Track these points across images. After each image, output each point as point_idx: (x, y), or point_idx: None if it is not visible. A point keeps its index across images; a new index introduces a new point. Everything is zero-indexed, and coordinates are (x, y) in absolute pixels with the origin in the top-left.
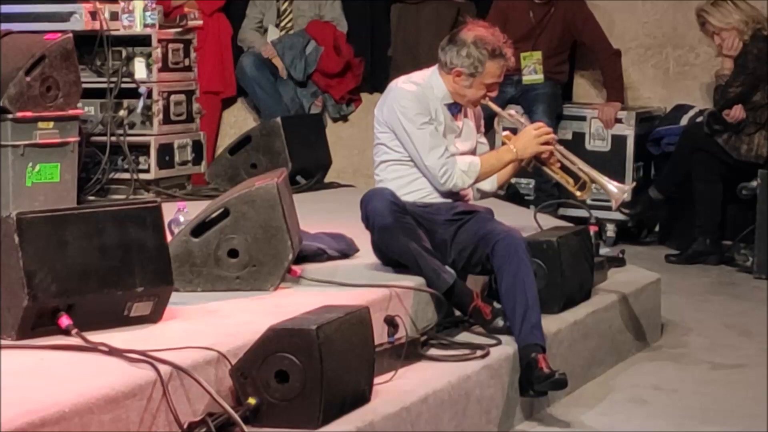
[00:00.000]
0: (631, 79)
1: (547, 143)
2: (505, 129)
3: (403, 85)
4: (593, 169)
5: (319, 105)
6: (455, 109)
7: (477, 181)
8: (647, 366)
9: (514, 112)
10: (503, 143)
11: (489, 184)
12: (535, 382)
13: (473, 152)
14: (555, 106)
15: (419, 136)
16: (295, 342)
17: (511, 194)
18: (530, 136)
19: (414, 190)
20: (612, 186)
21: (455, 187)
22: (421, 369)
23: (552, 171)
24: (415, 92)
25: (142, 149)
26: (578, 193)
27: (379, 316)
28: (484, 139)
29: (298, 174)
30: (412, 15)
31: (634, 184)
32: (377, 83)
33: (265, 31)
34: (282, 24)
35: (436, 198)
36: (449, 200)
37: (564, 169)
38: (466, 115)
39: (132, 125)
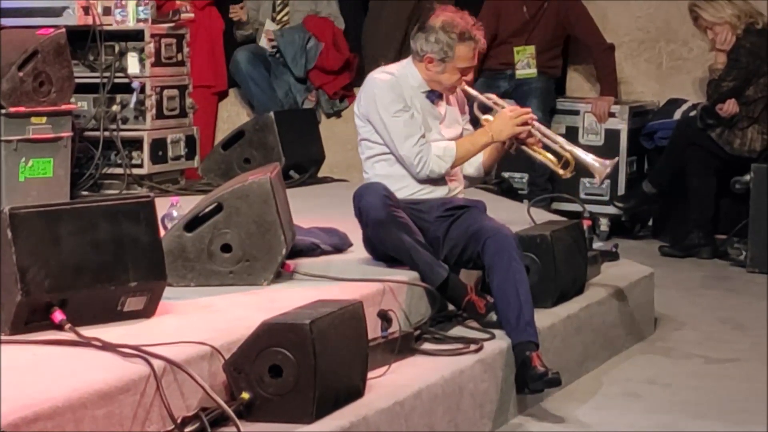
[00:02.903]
0: (624, 74)
1: (524, 123)
2: (486, 112)
3: (377, 75)
4: (575, 145)
5: (312, 100)
6: (434, 96)
7: (454, 165)
8: (641, 360)
9: (492, 95)
10: (482, 126)
11: (474, 169)
12: (529, 381)
13: (460, 138)
14: (548, 101)
15: (393, 125)
16: (289, 337)
17: (504, 189)
18: (506, 118)
19: (403, 186)
20: (595, 161)
21: (432, 173)
22: (415, 363)
23: (534, 151)
24: (389, 80)
25: (135, 144)
26: (561, 172)
27: (373, 311)
28: (469, 126)
29: (292, 169)
30: (378, 7)
31: (617, 159)
32: None
33: (261, 24)
34: (278, 18)
35: (426, 194)
36: (440, 196)
37: (547, 148)
38: (449, 102)
39: (125, 120)
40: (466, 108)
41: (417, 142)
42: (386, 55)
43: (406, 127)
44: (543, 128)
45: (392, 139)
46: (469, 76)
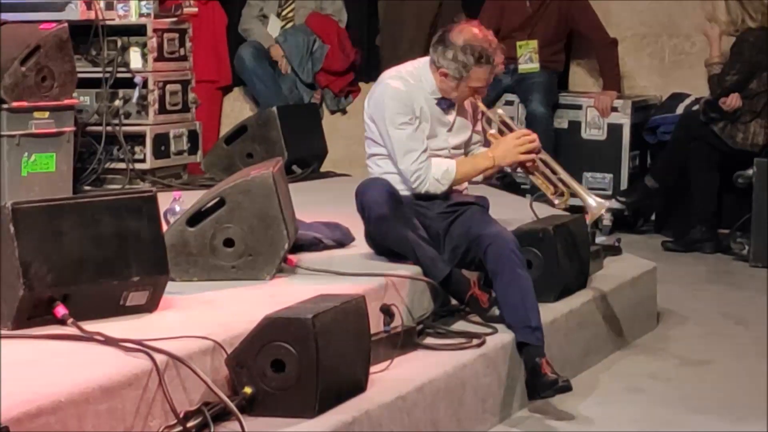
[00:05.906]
0: (627, 68)
1: (529, 152)
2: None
3: (390, 81)
4: (574, 180)
5: (318, 98)
6: (445, 103)
7: (452, 186)
8: (643, 355)
9: (501, 112)
10: (490, 142)
11: None
12: (540, 389)
13: (466, 144)
14: (551, 95)
15: (396, 137)
16: (291, 331)
17: (507, 183)
18: (511, 145)
19: (404, 188)
20: (592, 200)
21: (427, 193)
22: (417, 358)
23: (533, 176)
24: (400, 90)
25: (138, 139)
26: (556, 201)
27: (375, 305)
28: (479, 127)
29: (294, 163)
30: (397, 10)
31: (612, 201)
32: (373, 73)
33: (266, 18)
34: (284, 13)
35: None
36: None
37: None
38: (460, 110)
39: (127, 115)
40: (479, 113)
41: (417, 158)
42: (409, 57)
43: (409, 140)
44: (547, 157)
45: (394, 150)
46: (481, 94)
